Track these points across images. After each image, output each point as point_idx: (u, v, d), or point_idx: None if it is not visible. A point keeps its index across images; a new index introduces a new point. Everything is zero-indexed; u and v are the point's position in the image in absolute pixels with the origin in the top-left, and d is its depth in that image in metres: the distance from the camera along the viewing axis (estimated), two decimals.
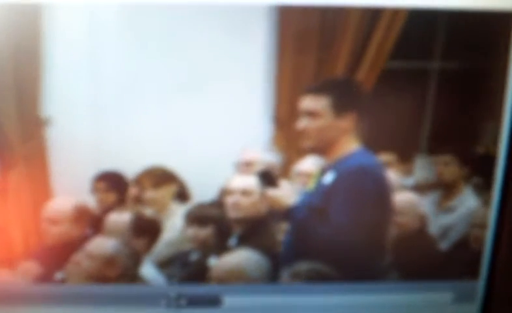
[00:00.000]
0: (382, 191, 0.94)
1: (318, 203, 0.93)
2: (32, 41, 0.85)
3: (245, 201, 0.96)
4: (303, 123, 0.92)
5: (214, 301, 0.86)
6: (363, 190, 0.93)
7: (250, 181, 0.95)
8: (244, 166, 0.96)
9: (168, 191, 0.96)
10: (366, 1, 0.84)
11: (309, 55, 0.91)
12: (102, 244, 0.94)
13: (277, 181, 0.94)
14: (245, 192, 0.96)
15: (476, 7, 0.82)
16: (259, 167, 0.96)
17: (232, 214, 0.96)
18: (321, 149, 0.94)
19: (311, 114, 0.92)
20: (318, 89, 0.91)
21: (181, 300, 0.85)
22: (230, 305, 0.86)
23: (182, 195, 0.96)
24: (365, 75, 0.93)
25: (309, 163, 0.96)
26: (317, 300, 0.88)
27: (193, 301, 0.85)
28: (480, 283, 0.88)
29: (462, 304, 0.88)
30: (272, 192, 0.94)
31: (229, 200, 0.95)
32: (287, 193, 0.94)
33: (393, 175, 0.96)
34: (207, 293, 0.86)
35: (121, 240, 0.94)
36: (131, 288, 0.86)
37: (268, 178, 0.94)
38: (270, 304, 0.88)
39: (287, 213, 0.94)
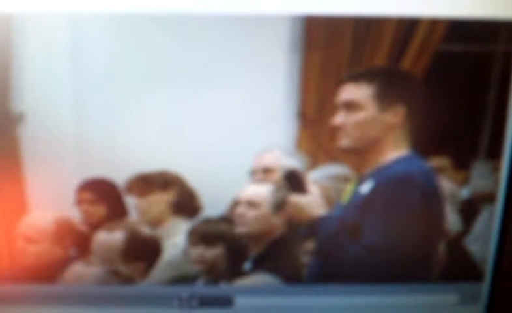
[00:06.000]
0: (433, 207, 0.77)
1: (351, 217, 0.77)
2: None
3: (251, 213, 0.80)
4: (339, 118, 0.76)
5: (226, 302, 0.82)
6: (405, 205, 0.76)
7: (259, 190, 0.80)
8: (261, 173, 0.79)
9: (160, 200, 0.80)
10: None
11: (341, 40, 0.75)
12: (82, 274, 0.80)
13: (305, 186, 0.78)
14: (251, 203, 0.80)
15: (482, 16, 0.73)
16: (280, 174, 0.79)
17: (238, 228, 0.81)
18: (361, 150, 0.77)
19: (350, 105, 0.76)
20: (359, 76, 0.75)
21: (193, 300, 0.82)
22: (242, 306, 0.82)
23: (183, 206, 0.79)
24: (413, 62, 0.76)
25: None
26: (327, 301, 0.82)
27: (205, 302, 0.82)
28: (484, 286, 0.83)
29: (467, 305, 0.84)
30: (297, 199, 0.77)
31: (236, 212, 0.81)
32: (315, 201, 0.78)
33: (446, 185, 0.78)
34: (219, 293, 0.82)
35: (108, 270, 0.80)
36: (142, 288, 0.82)
37: (294, 180, 0.77)
38: (282, 305, 0.82)
39: (313, 226, 0.78)
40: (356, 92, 0.75)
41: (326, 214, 0.78)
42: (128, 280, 0.81)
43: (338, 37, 0.75)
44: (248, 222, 0.80)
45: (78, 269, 0.81)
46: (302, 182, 0.78)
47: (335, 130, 0.76)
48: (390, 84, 0.76)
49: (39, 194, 0.79)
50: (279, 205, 0.80)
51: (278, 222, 0.81)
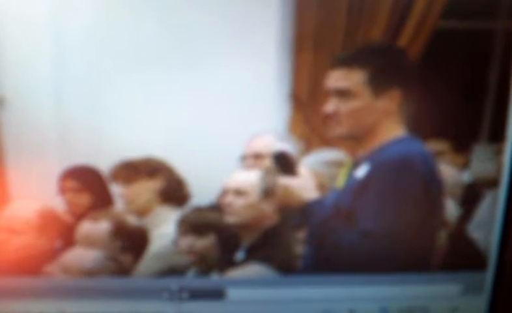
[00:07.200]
0: (432, 191, 0.74)
1: (347, 203, 0.74)
2: None
3: (239, 202, 0.76)
4: (332, 106, 0.71)
5: (218, 294, 0.79)
6: (403, 188, 0.73)
7: (246, 177, 0.77)
8: (252, 159, 0.76)
9: (146, 188, 0.77)
10: None
11: (335, 14, 0.72)
12: (82, 257, 0.77)
13: (295, 167, 0.74)
14: (239, 191, 0.77)
15: None
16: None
17: (227, 218, 0.78)
18: (355, 136, 0.73)
19: (342, 93, 0.72)
20: (350, 60, 0.71)
21: (183, 293, 0.79)
22: (234, 298, 0.79)
23: (171, 194, 0.76)
24: (411, 39, 0.72)
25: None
26: (323, 292, 0.79)
27: (196, 294, 0.79)
28: (488, 275, 0.81)
29: (471, 295, 0.81)
30: (286, 181, 0.73)
31: (224, 202, 0.78)
32: (306, 184, 0.74)
33: (446, 169, 0.75)
34: (210, 285, 0.79)
35: (105, 253, 0.77)
36: (131, 281, 0.79)
37: (284, 162, 0.74)
38: (276, 296, 0.79)
39: (305, 212, 0.74)
40: (349, 78, 0.72)
41: (320, 198, 0.74)
42: (124, 270, 0.78)
43: (331, 14, 0.72)
44: (237, 211, 0.77)
45: (79, 252, 0.78)
46: (292, 164, 0.74)
47: (328, 118, 0.73)
48: (384, 66, 0.72)
49: (21, 183, 0.76)
50: (268, 192, 0.77)
51: (268, 209, 0.78)
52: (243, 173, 0.77)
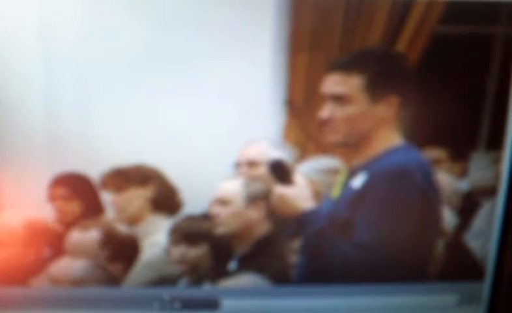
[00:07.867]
0: (430, 202, 0.72)
1: (343, 213, 0.72)
2: None
3: (224, 212, 0.75)
4: (327, 111, 0.70)
5: (211, 304, 0.77)
6: (401, 200, 0.71)
7: (229, 186, 0.76)
8: (246, 167, 0.75)
9: (138, 196, 0.76)
10: None
11: (332, 17, 0.70)
12: (70, 266, 0.76)
13: (291, 176, 0.73)
14: (223, 201, 0.76)
15: None
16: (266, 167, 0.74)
17: (217, 229, 0.76)
18: (351, 144, 0.71)
19: (339, 98, 0.70)
20: (348, 65, 0.69)
21: (175, 303, 0.77)
22: (228, 308, 0.78)
23: (162, 203, 0.75)
24: (409, 44, 0.71)
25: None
26: (318, 302, 0.78)
27: (188, 304, 0.78)
28: (486, 285, 0.80)
29: (467, 306, 0.80)
30: (282, 190, 0.72)
31: (211, 213, 0.76)
32: (302, 193, 0.72)
33: (443, 178, 0.74)
34: (203, 295, 0.78)
35: (93, 262, 0.76)
36: (122, 290, 0.78)
37: (280, 170, 0.73)
38: (270, 307, 0.78)
39: (300, 222, 0.72)
40: (346, 83, 0.70)
41: (315, 208, 0.73)
42: (113, 278, 0.77)
43: (328, 18, 0.70)
44: (225, 221, 0.76)
45: (65, 263, 0.76)
46: (288, 172, 0.73)
47: (323, 124, 0.72)
48: (382, 72, 0.71)
49: (11, 191, 0.74)
50: (252, 199, 0.75)
51: (255, 216, 0.76)
52: (227, 182, 0.76)
